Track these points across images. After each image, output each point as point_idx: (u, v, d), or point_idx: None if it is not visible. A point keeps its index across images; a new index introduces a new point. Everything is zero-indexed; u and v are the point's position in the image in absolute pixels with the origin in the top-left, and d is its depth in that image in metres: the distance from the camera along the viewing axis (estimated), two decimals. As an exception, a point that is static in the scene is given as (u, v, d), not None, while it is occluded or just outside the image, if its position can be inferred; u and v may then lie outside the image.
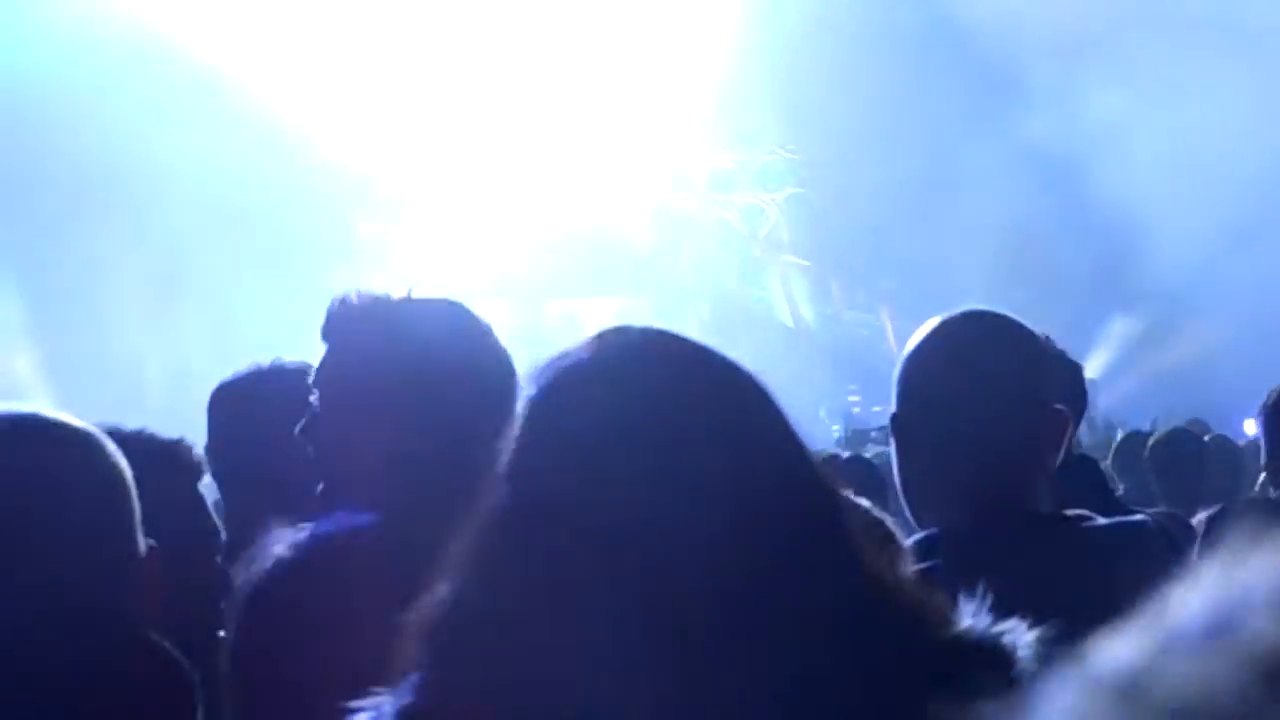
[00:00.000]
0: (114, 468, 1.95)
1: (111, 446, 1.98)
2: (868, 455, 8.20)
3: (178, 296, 18.00)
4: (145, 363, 17.29)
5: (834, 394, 18.21)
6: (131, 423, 3.01)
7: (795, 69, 18.89)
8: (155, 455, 2.61)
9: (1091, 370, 14.15)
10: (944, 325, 2.48)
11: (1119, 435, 8.83)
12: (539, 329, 17.61)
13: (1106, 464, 6.84)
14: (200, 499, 3.12)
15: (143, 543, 1.99)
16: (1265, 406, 4.58)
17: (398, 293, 2.61)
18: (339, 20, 18.08)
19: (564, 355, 1.70)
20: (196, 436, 3.34)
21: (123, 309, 17.38)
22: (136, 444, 2.33)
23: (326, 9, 18.11)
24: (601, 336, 1.71)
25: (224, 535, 3.29)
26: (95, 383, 13.93)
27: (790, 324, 20.35)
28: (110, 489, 1.94)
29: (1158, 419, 8.85)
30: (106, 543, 1.91)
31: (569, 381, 1.67)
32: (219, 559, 3.10)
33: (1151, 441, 6.97)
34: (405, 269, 16.99)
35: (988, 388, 2.41)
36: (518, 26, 18.49)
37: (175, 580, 2.01)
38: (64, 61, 16.39)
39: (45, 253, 16.87)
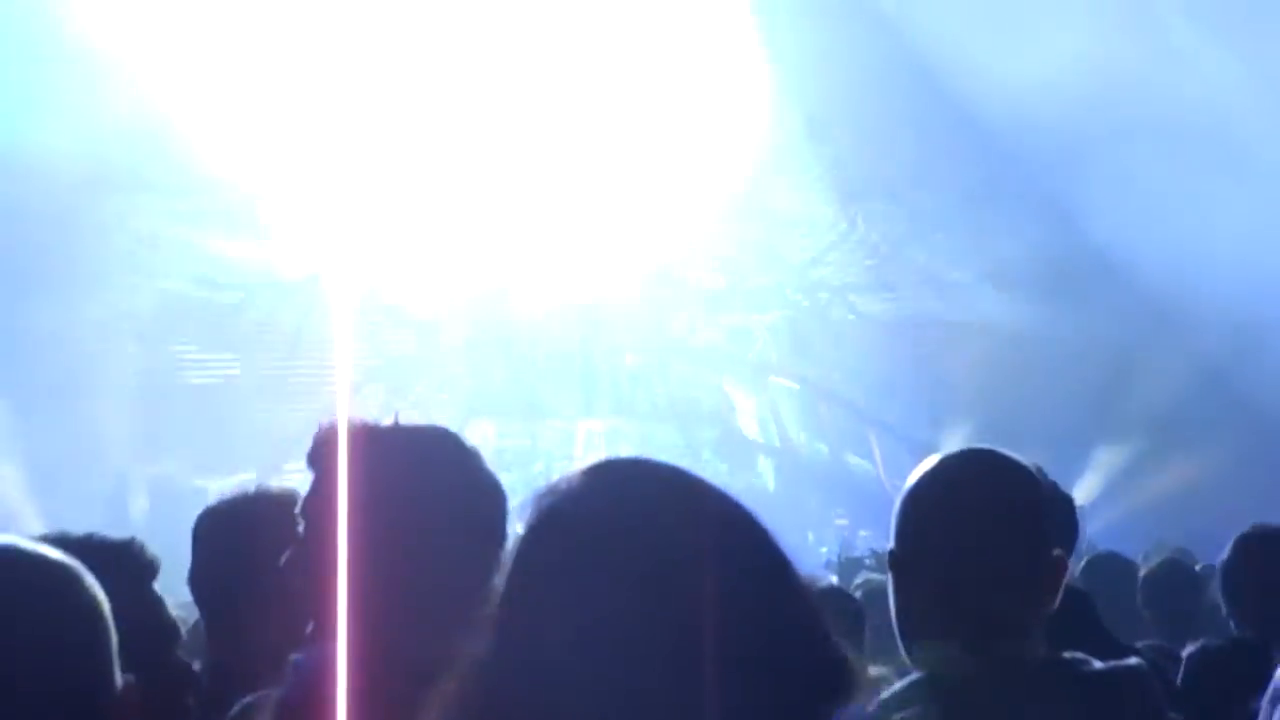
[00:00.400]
0: (93, 602, 1.90)
1: (90, 580, 1.93)
2: (858, 582, 8.20)
3: (165, 408, 17.88)
4: (130, 479, 17.17)
5: (822, 517, 18.17)
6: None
7: (781, 190, 19.04)
8: (107, 558, 2.56)
9: (1081, 495, 14.13)
10: (943, 465, 2.49)
11: None
12: (530, 450, 17.63)
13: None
14: (157, 597, 3.08)
15: (120, 678, 1.94)
16: (1224, 564, 4.62)
17: (385, 419, 2.60)
18: (333, 129, 18.19)
19: (553, 490, 1.70)
20: (184, 555, 3.32)
21: (108, 420, 17.22)
22: (87, 548, 2.30)
23: (321, 119, 18.22)
24: (590, 472, 1.71)
25: (201, 661, 3.25)
26: (78, 499, 13.83)
27: (778, 446, 20.32)
28: (89, 626, 1.89)
29: (1149, 552, 8.85)
30: (83, 683, 1.86)
31: (559, 521, 1.67)
32: (178, 654, 3.07)
33: (1144, 573, 6.92)
34: (397, 388, 17.03)
35: (987, 532, 2.41)
36: (510, 137, 18.59)
37: (139, 681, 1.96)
38: (52, 161, 16.26)
39: (26, 356, 16.57)
